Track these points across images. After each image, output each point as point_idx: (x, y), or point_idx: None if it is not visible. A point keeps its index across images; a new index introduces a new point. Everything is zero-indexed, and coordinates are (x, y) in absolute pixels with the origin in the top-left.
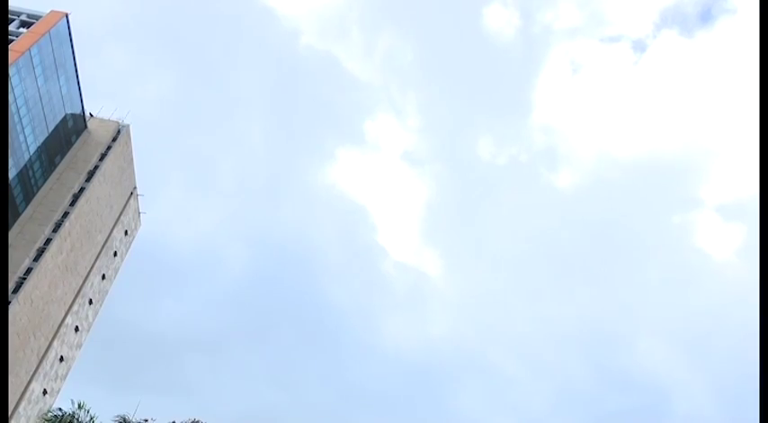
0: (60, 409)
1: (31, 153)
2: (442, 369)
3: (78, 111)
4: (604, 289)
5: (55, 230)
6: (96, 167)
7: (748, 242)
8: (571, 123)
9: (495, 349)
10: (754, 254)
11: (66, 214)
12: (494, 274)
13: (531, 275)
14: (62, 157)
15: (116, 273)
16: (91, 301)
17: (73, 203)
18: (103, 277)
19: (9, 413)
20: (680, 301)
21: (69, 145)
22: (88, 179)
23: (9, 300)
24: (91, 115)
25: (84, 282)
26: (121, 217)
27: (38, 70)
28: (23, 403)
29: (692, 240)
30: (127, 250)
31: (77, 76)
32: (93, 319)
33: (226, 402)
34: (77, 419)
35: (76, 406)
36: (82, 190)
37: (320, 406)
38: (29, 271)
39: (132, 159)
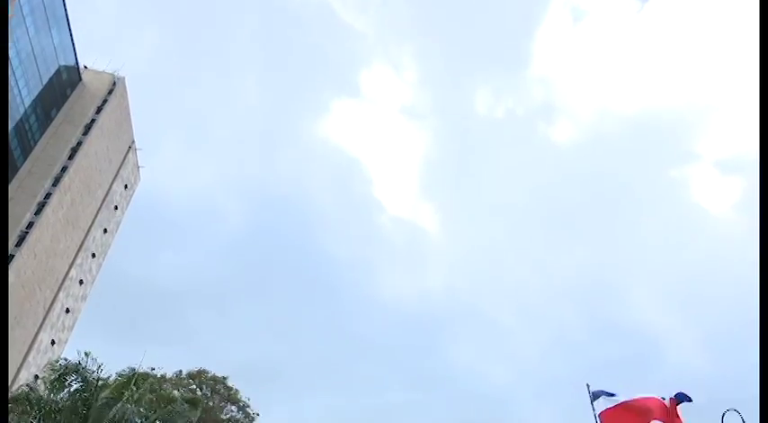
0: (66, 359)
1: (26, 106)
2: (438, 319)
3: (72, 63)
4: (600, 242)
5: (54, 185)
6: (93, 121)
7: (746, 196)
8: (570, 76)
9: (490, 300)
10: (751, 208)
11: (65, 168)
12: (490, 227)
13: (527, 229)
14: (58, 111)
15: (117, 226)
16: (94, 255)
17: (71, 157)
18: (105, 231)
19: (19, 363)
20: (675, 254)
21: (65, 98)
22: (85, 133)
23: (13, 253)
24: (85, 67)
25: (86, 235)
26: (120, 171)
27: (28, 20)
28: (32, 353)
29: (689, 195)
30: (127, 204)
31: (69, 27)
32: (97, 272)
33: (228, 352)
34: (85, 368)
35: (83, 355)
36: (79, 144)
37: (320, 355)
38: (30, 225)
39: (129, 113)
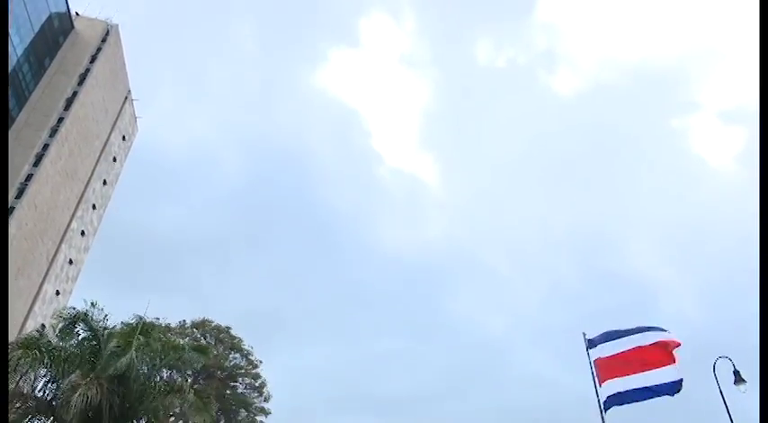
0: (74, 308)
1: (19, 55)
2: (437, 269)
3: (63, 9)
4: (599, 193)
5: (51, 136)
6: (87, 70)
7: (748, 147)
8: (573, 23)
9: (488, 251)
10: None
11: (61, 119)
12: (490, 178)
13: (526, 180)
14: (51, 60)
15: (117, 178)
16: (94, 206)
17: (67, 108)
18: (105, 183)
19: (25, 313)
20: (674, 205)
21: (57, 46)
22: (80, 83)
23: (13, 205)
24: (77, 14)
25: (85, 187)
26: (118, 122)
27: None
28: (38, 304)
29: (690, 145)
30: (126, 156)
31: None
32: (98, 224)
33: (230, 302)
34: (91, 317)
35: (89, 305)
36: (75, 94)
37: (321, 304)
38: (29, 177)
39: (124, 62)
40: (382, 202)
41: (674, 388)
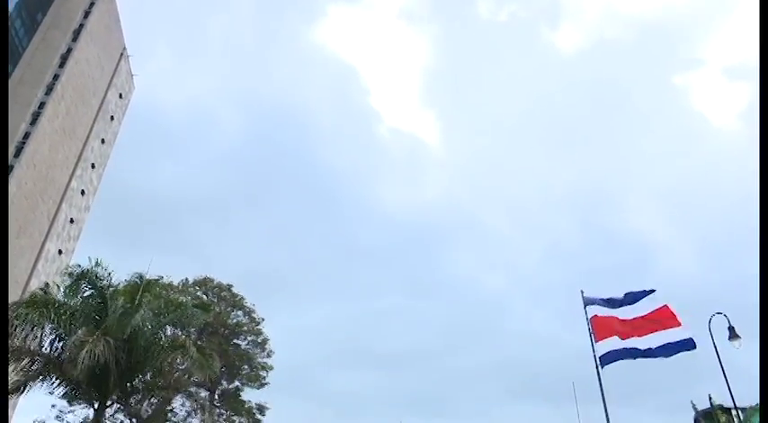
0: (79, 265)
1: (11, 9)
2: (436, 229)
3: None
4: (599, 151)
5: (47, 93)
6: (81, 26)
7: (752, 104)
8: None
9: (488, 210)
10: (756, 116)
11: (56, 76)
12: (490, 137)
13: (527, 139)
14: (44, 15)
15: (115, 137)
16: (93, 166)
17: (62, 65)
18: (103, 141)
19: (29, 272)
20: (674, 163)
21: (50, 1)
22: (74, 39)
23: (12, 164)
24: None
25: (84, 146)
26: (114, 79)
27: None
28: (41, 262)
29: (692, 103)
30: (123, 114)
31: None
32: (98, 183)
33: (230, 261)
34: (96, 275)
35: (93, 263)
36: (69, 50)
37: (321, 263)
38: (27, 135)
39: (118, 18)
40: (381, 162)
41: (675, 349)
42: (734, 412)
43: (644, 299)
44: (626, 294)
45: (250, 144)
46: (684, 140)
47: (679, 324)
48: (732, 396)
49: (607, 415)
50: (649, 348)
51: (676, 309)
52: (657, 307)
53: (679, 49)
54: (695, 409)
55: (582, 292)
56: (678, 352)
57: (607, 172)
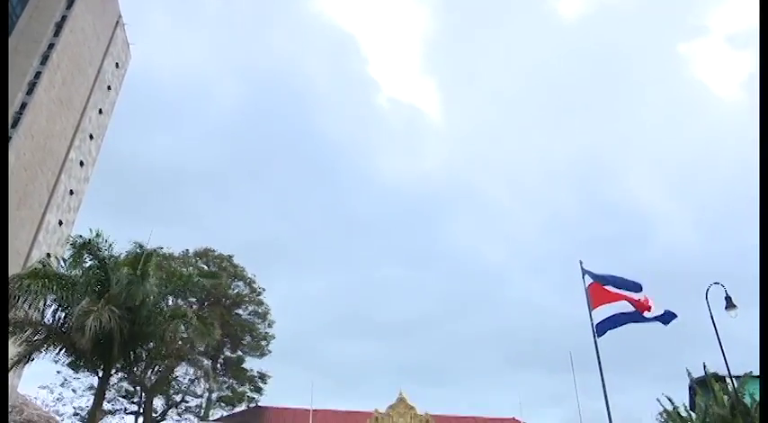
0: (81, 236)
1: None
2: (436, 199)
3: None
4: (600, 121)
5: (43, 63)
6: None
7: (754, 74)
8: None
9: (488, 181)
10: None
11: (51, 45)
12: (490, 106)
13: (527, 108)
14: None
15: (112, 107)
16: (91, 136)
17: (57, 34)
18: (100, 112)
19: (30, 243)
20: (675, 134)
21: None
22: (68, 6)
23: (10, 135)
24: None
25: (81, 116)
26: (110, 48)
27: None
28: (42, 233)
29: (695, 71)
30: (120, 84)
31: None
32: (97, 154)
33: (230, 232)
34: (97, 246)
35: (94, 234)
36: (64, 18)
37: (320, 234)
38: (24, 106)
39: None
40: (380, 132)
41: (666, 318)
42: (728, 380)
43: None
44: (616, 277)
45: (248, 114)
46: (686, 110)
47: (650, 310)
48: (727, 364)
49: (603, 383)
50: (628, 313)
51: (674, 280)
52: (642, 297)
53: (683, 16)
54: (690, 377)
55: (581, 262)
56: (649, 321)
57: (607, 142)
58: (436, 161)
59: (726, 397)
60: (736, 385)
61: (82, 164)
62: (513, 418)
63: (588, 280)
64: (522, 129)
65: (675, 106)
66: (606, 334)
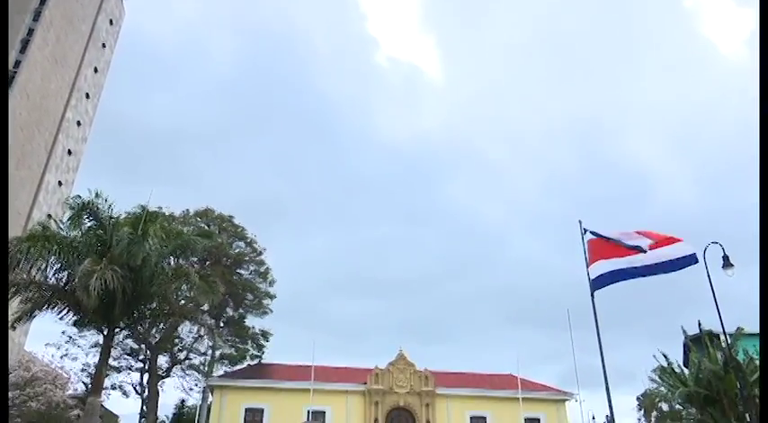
0: (80, 196)
1: None
2: (435, 159)
3: None
4: (603, 80)
5: (35, 19)
6: None
7: (756, 32)
8: None
9: (487, 140)
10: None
11: (43, 1)
12: (490, 64)
13: (528, 66)
14: None
15: (108, 66)
16: (88, 96)
17: None
18: (96, 70)
19: (30, 203)
20: (677, 92)
21: None
22: None
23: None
24: None
25: (76, 75)
26: (103, 4)
27: None
28: (41, 193)
29: (700, 27)
30: (115, 41)
31: None
32: (93, 114)
33: (230, 192)
34: (97, 207)
35: (94, 195)
36: None
37: (320, 192)
38: (18, 64)
39: None
40: (379, 90)
41: (660, 269)
42: (722, 337)
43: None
44: (622, 236)
45: (245, 72)
46: (689, 67)
47: (679, 240)
48: (721, 321)
49: (599, 339)
50: (646, 265)
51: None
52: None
53: None
54: (685, 334)
55: (580, 222)
56: (680, 268)
57: (608, 100)
58: (435, 120)
59: (719, 354)
60: (729, 342)
61: (79, 124)
62: (511, 374)
63: (588, 237)
64: (521, 87)
65: (678, 63)
66: (604, 291)
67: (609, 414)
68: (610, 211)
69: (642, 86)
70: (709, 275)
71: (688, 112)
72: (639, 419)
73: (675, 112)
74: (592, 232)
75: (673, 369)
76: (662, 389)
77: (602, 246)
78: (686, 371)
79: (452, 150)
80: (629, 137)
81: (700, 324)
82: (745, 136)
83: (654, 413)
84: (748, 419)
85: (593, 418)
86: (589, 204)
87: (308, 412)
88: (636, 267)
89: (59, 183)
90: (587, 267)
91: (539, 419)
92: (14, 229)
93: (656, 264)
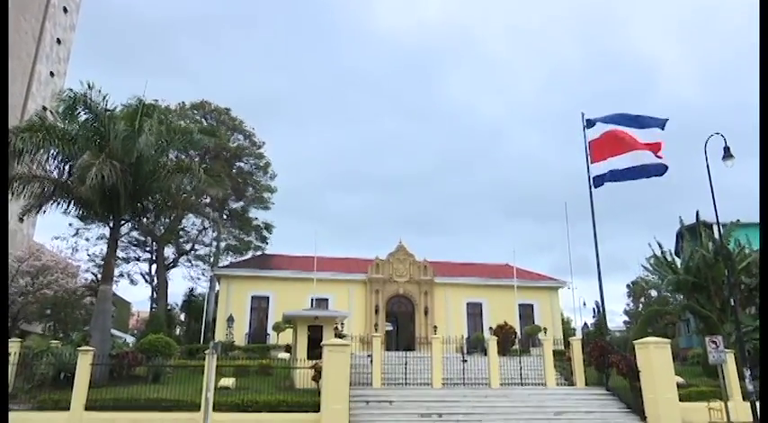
0: (71, 90)
1: None
2: (434, 52)
3: None
4: None
5: None
6: None
7: None
8: None
9: (488, 33)
10: None
11: None
12: None
13: None
14: None
15: None
16: None
17: None
18: None
19: (24, 95)
20: None
21: None
22: None
23: None
24: None
25: None
26: None
27: None
28: (34, 85)
29: None
30: None
31: None
32: (80, 0)
33: (225, 86)
34: (90, 99)
35: (86, 86)
36: None
37: (318, 87)
38: None
39: None
40: None
41: (660, 169)
42: (715, 227)
43: (649, 129)
44: (637, 116)
45: None
46: None
47: (660, 156)
48: (716, 211)
49: (595, 230)
50: (627, 168)
51: (676, 133)
52: (655, 141)
53: None
54: (681, 223)
55: (582, 114)
56: (648, 176)
57: None
58: (434, 10)
59: (711, 243)
60: (722, 232)
61: (65, 10)
62: (507, 264)
63: (590, 135)
64: None
65: None
66: (603, 186)
67: (599, 300)
68: (611, 107)
69: None
70: (708, 167)
71: (691, 3)
72: (628, 305)
73: (679, 2)
74: (595, 121)
75: (665, 257)
76: (653, 277)
77: (603, 145)
78: (677, 260)
79: (452, 43)
80: (633, 28)
81: (698, 214)
82: (751, 29)
83: (642, 299)
84: (732, 304)
85: (584, 304)
86: (591, 99)
87: (312, 300)
88: (633, 168)
89: (51, 73)
90: (587, 163)
91: (532, 306)
92: (10, 122)
93: (633, 167)
